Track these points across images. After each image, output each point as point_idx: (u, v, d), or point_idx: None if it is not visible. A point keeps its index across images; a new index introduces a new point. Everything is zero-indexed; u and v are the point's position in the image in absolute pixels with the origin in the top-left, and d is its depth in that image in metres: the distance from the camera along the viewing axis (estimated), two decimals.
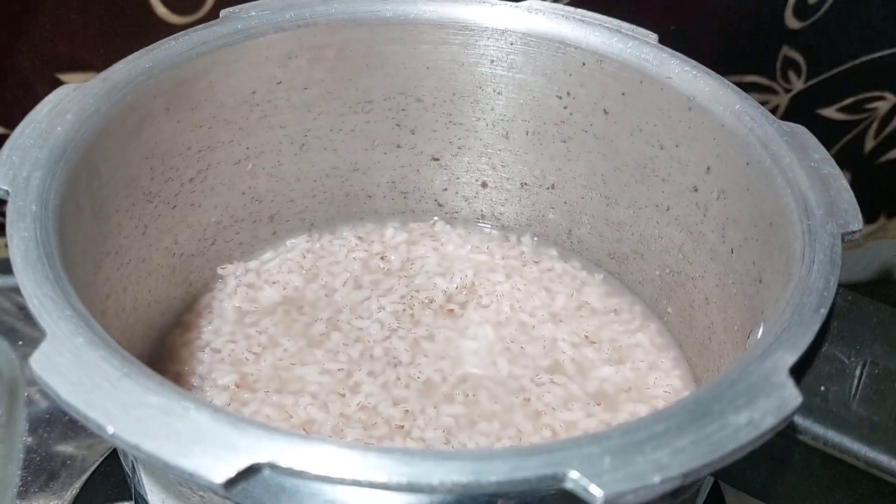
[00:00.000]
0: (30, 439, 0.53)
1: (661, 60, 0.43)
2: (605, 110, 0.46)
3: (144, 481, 0.36)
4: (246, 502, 0.28)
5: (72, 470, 0.51)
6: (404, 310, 0.47)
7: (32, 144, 0.34)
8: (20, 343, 0.58)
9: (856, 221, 0.33)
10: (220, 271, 0.49)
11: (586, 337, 0.47)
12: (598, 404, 0.43)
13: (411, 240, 0.53)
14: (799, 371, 0.28)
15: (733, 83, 0.41)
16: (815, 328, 0.29)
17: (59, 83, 0.62)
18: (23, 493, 0.50)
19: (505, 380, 0.44)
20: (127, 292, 0.41)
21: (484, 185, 0.53)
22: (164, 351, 0.46)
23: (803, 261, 0.32)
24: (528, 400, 0.43)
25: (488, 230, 0.54)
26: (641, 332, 0.48)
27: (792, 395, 0.26)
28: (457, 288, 0.49)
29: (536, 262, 0.52)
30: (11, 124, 0.64)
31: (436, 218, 0.54)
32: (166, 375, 0.43)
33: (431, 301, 0.48)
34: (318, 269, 0.50)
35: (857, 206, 0.34)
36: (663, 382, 0.45)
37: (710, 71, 0.42)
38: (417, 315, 0.47)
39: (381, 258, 0.51)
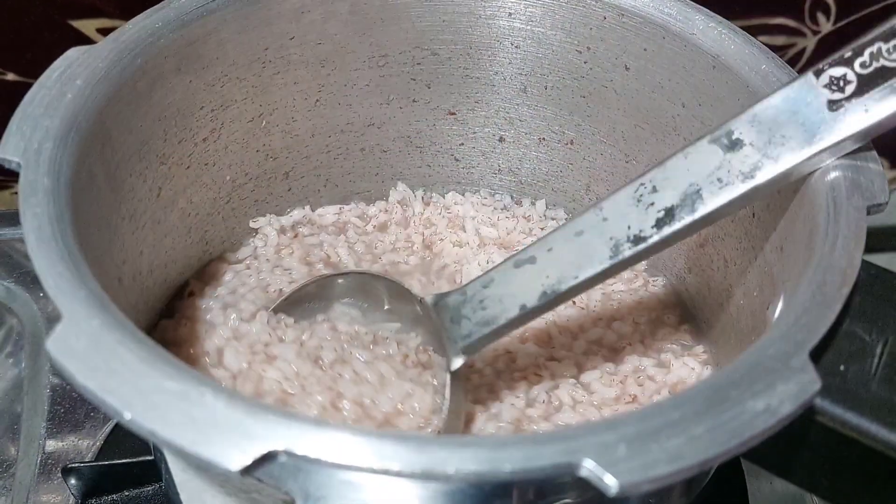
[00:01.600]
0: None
1: (686, 16, 0.41)
2: (626, 66, 0.45)
3: None
4: (264, 478, 0.28)
5: (95, 422, 0.52)
6: None
7: (43, 113, 0.34)
8: (42, 295, 0.59)
9: (882, 194, 0.32)
10: (252, 224, 0.50)
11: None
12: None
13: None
14: (818, 351, 0.28)
15: (759, 25, 0.40)
16: (837, 309, 0.28)
17: (70, 30, 0.62)
18: (48, 444, 0.51)
19: None
20: (143, 255, 0.41)
21: (501, 139, 0.52)
22: (181, 304, 0.46)
23: (827, 235, 0.31)
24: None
25: (500, 196, 0.54)
26: (648, 290, 0.48)
27: (811, 380, 0.26)
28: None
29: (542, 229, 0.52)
30: (24, 72, 0.64)
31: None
32: (185, 331, 0.44)
33: None
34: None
35: (884, 176, 0.33)
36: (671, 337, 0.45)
37: (736, 27, 0.41)
38: None
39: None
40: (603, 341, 0.45)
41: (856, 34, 0.72)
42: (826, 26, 0.71)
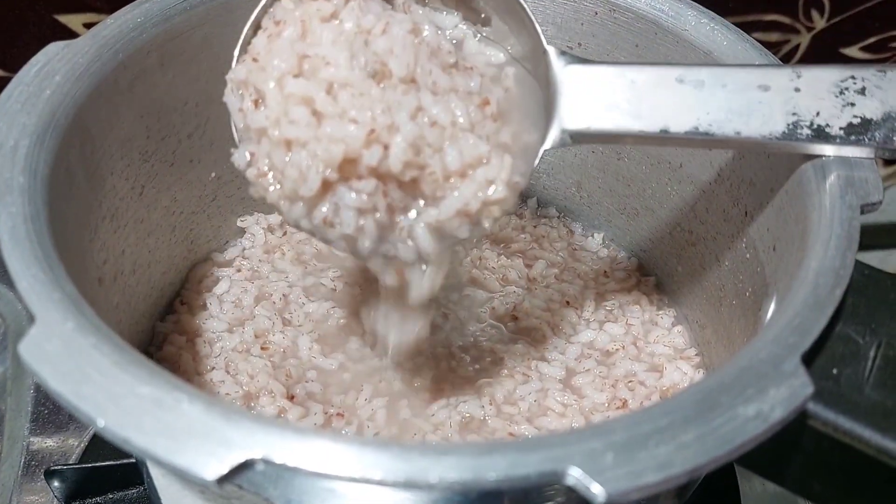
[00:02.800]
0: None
1: (677, 11, 0.41)
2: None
3: None
4: (244, 485, 0.28)
5: (79, 423, 0.52)
6: None
7: (20, 110, 0.33)
8: None
9: (876, 192, 0.31)
10: (240, 223, 0.49)
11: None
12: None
13: None
14: (811, 354, 0.27)
15: (753, 21, 0.39)
16: (830, 311, 0.28)
17: (56, 24, 0.61)
18: (32, 445, 0.50)
19: None
20: (125, 255, 0.40)
21: None
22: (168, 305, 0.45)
23: (819, 235, 0.30)
24: None
25: None
26: (640, 290, 0.47)
27: (803, 385, 0.26)
28: None
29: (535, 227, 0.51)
30: (9, 67, 0.63)
31: None
32: (171, 335, 0.43)
33: None
34: None
35: (878, 174, 0.32)
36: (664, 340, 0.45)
37: (729, 24, 0.40)
38: None
39: None
40: (595, 344, 0.44)
41: (850, 31, 0.72)
42: (820, 23, 0.71)
